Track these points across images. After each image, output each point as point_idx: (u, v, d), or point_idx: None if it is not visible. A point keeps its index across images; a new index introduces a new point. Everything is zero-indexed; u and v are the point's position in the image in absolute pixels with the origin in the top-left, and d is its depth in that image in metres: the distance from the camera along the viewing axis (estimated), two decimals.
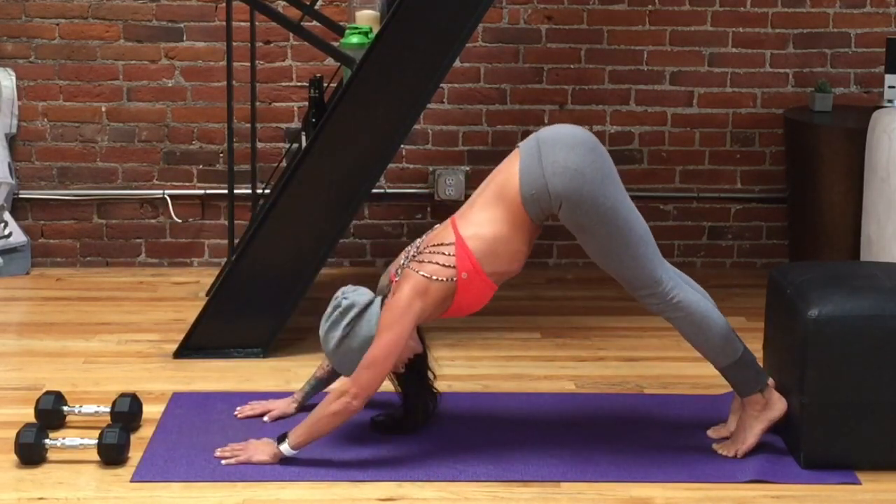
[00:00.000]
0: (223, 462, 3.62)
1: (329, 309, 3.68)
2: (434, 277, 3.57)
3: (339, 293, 3.69)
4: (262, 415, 3.97)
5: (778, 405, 3.71)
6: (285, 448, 3.59)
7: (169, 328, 4.79)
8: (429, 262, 3.60)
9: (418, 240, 3.76)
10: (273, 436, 3.68)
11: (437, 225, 3.77)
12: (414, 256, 3.67)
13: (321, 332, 3.68)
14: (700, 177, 5.66)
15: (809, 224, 5.34)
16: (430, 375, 3.88)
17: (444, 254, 3.60)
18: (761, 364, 3.99)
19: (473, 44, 5.47)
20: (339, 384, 3.59)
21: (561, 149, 3.57)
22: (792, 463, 3.68)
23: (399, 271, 3.69)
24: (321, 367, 3.97)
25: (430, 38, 4.36)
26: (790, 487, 3.56)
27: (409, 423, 3.86)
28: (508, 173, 3.62)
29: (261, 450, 3.63)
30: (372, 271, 5.36)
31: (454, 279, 3.58)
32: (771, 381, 3.76)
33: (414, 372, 3.79)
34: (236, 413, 3.98)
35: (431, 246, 3.64)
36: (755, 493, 3.52)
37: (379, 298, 3.68)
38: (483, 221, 3.60)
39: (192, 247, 5.61)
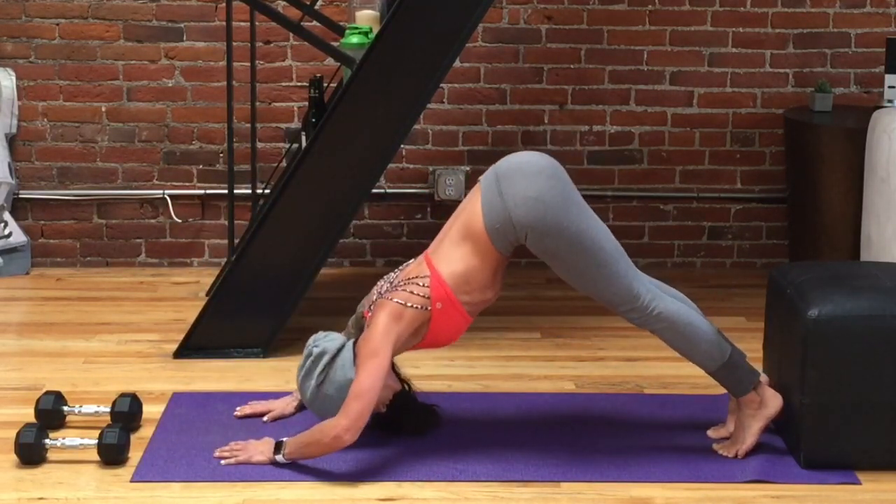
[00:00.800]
0: (222, 462, 3.62)
1: (302, 360, 3.71)
2: (409, 304, 3.61)
3: (310, 341, 3.72)
4: (261, 414, 3.97)
5: (773, 401, 3.71)
6: (280, 457, 3.60)
7: (169, 328, 4.79)
8: (403, 290, 3.64)
9: (391, 274, 3.79)
10: (273, 436, 3.69)
11: (411, 261, 3.79)
12: (388, 290, 3.70)
13: (297, 383, 3.72)
14: (700, 177, 5.66)
15: (809, 224, 5.34)
16: (417, 402, 3.88)
17: (418, 285, 3.64)
18: (761, 364, 3.99)
19: (473, 44, 5.47)
20: (334, 420, 3.55)
21: (520, 179, 3.59)
22: (792, 463, 3.68)
23: (371, 307, 3.72)
24: None
25: (430, 38, 4.36)
26: (790, 487, 3.56)
27: (411, 431, 3.87)
28: (472, 210, 3.65)
29: (260, 450, 3.63)
30: (372, 271, 5.36)
31: (429, 308, 3.61)
32: (764, 377, 3.77)
33: (396, 410, 3.79)
34: (236, 413, 3.98)
35: (406, 280, 3.67)
36: (755, 493, 3.52)
37: (350, 342, 3.69)
38: (455, 259, 3.64)
39: (192, 247, 5.62)
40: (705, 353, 3.69)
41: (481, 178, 3.71)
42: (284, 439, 3.62)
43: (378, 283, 3.80)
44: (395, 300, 3.62)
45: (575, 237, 3.56)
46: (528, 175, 3.59)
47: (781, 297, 3.81)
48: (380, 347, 3.57)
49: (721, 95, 5.60)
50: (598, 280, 3.61)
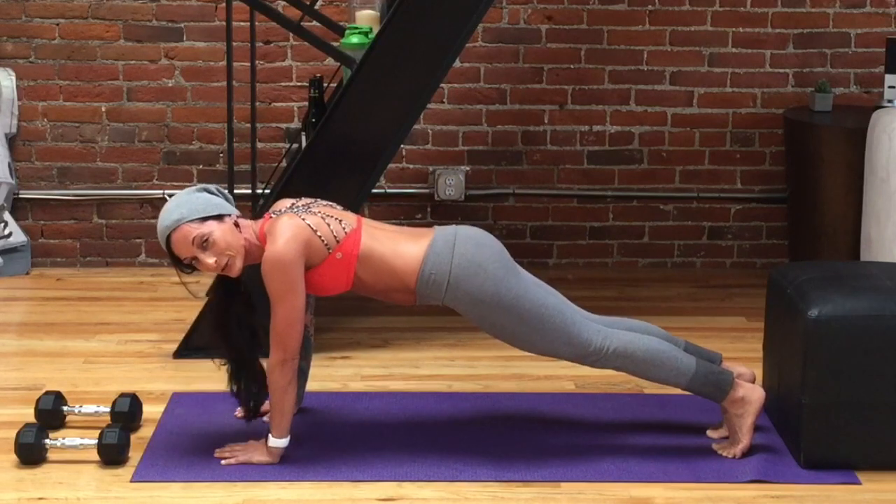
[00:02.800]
0: (222, 462, 3.62)
1: (197, 188, 3.63)
2: (318, 233, 3.56)
3: (216, 187, 3.65)
4: (262, 413, 3.98)
5: (755, 394, 3.71)
6: (273, 441, 3.60)
7: (169, 328, 4.79)
8: (321, 216, 3.59)
9: (309, 199, 3.71)
10: None
11: (335, 204, 3.74)
12: (303, 208, 3.64)
13: (180, 194, 3.60)
14: (700, 177, 5.66)
15: (809, 224, 5.34)
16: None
17: (338, 224, 3.60)
18: (761, 364, 4.00)
19: (473, 44, 5.47)
20: (273, 360, 3.54)
21: (472, 246, 3.64)
22: (792, 463, 3.68)
23: (275, 213, 3.64)
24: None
25: (430, 38, 4.36)
26: (790, 487, 3.56)
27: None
28: (416, 244, 3.64)
29: (260, 450, 3.64)
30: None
31: (330, 250, 3.58)
32: (736, 370, 3.77)
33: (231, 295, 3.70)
34: (237, 413, 3.98)
35: (326, 213, 3.63)
36: (755, 493, 3.52)
37: (235, 217, 3.59)
38: (382, 242, 3.63)
39: None
40: (671, 373, 3.70)
41: (438, 227, 3.73)
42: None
43: (287, 201, 3.71)
44: (307, 220, 3.57)
45: (513, 303, 3.61)
46: (480, 245, 3.65)
47: (781, 297, 3.81)
48: (293, 278, 3.50)
49: (721, 95, 5.60)
50: (546, 340, 3.66)
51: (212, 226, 3.53)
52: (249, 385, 3.75)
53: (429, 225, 5.60)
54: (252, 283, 3.67)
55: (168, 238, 3.57)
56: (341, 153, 4.40)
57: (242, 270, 3.61)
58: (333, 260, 3.59)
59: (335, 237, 3.59)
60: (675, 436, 3.87)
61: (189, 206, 3.54)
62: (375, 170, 4.43)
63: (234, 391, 3.77)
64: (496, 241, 3.73)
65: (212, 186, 3.67)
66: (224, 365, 3.77)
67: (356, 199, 4.45)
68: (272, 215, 3.66)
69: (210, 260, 3.54)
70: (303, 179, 4.40)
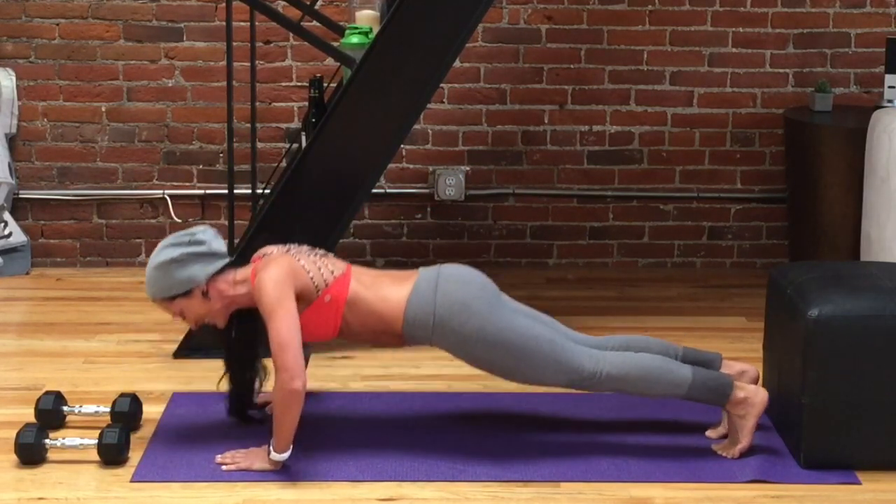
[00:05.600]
0: (223, 468, 3.61)
1: (183, 231, 3.73)
2: (308, 273, 3.64)
3: (202, 228, 3.73)
4: (262, 405, 3.99)
5: (757, 396, 3.70)
6: (275, 455, 3.57)
7: (169, 328, 4.78)
8: (312, 260, 3.69)
9: (295, 246, 3.79)
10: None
11: (329, 252, 3.83)
12: (291, 252, 3.73)
13: (160, 244, 3.69)
14: (700, 177, 5.66)
15: (809, 224, 5.34)
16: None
17: (328, 269, 3.69)
18: (761, 364, 3.99)
19: (473, 44, 5.47)
20: (276, 384, 3.53)
21: (454, 284, 3.68)
22: (792, 463, 3.68)
23: (265, 255, 3.74)
24: None
25: (430, 38, 4.36)
26: (790, 487, 3.56)
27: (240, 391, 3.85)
28: (400, 287, 3.69)
29: (262, 458, 3.61)
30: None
31: (319, 293, 3.64)
32: (737, 369, 3.77)
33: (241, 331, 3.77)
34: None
35: (320, 255, 3.74)
36: (755, 493, 3.52)
37: (226, 262, 3.68)
38: (370, 287, 3.69)
39: None
40: (667, 388, 3.70)
41: (422, 268, 3.77)
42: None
43: (272, 247, 3.78)
44: (300, 261, 3.66)
45: (499, 338, 3.63)
46: (463, 283, 3.69)
47: (781, 297, 3.81)
48: (281, 295, 3.55)
49: (721, 95, 5.60)
50: (537, 371, 3.68)
51: (180, 304, 3.68)
52: (240, 386, 3.82)
53: (428, 225, 5.61)
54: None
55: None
56: (341, 153, 4.40)
57: (230, 319, 3.71)
58: (322, 303, 3.65)
59: (325, 280, 3.66)
60: (674, 436, 3.86)
61: (155, 285, 3.66)
62: (376, 170, 4.43)
63: (227, 390, 3.83)
64: (480, 275, 3.76)
65: (198, 229, 3.72)
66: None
67: (356, 200, 4.45)
68: (262, 257, 3.75)
69: (192, 325, 3.78)
70: (303, 179, 4.39)
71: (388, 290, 3.69)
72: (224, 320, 3.72)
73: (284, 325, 3.52)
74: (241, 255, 4.41)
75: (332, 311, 3.66)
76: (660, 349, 3.81)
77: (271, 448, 3.57)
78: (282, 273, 3.59)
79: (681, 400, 3.73)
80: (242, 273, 3.70)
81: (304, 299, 3.63)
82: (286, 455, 3.58)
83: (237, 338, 3.75)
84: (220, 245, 3.71)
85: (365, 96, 4.35)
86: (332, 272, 3.68)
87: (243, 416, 3.88)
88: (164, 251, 3.66)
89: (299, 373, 3.51)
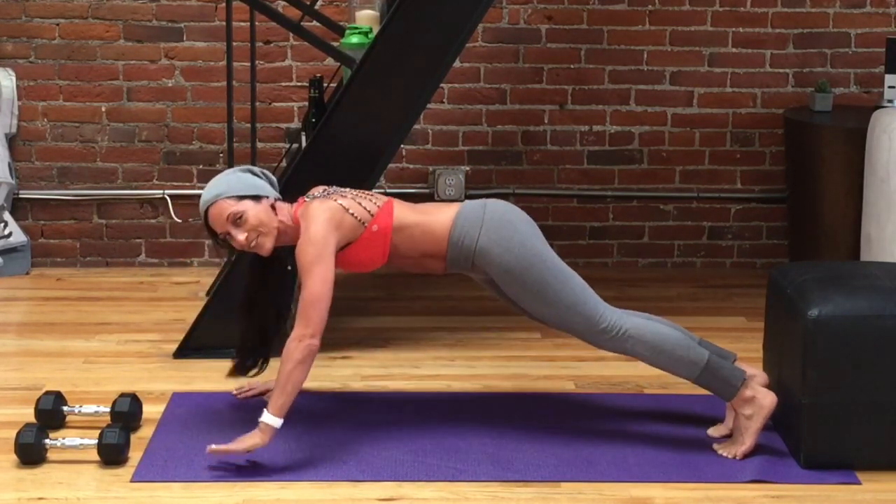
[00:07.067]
0: (209, 448, 3.54)
1: (242, 168, 3.79)
2: (350, 211, 3.69)
3: (261, 170, 3.80)
4: (262, 394, 4.02)
5: (767, 399, 3.71)
6: (267, 416, 3.52)
7: (169, 328, 4.79)
8: (351, 198, 3.73)
9: (340, 188, 3.83)
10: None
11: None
12: (334, 192, 3.77)
13: (224, 172, 3.77)
14: (700, 177, 5.66)
15: (809, 224, 5.34)
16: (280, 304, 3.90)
17: (370, 201, 3.75)
18: (761, 364, 3.99)
19: (473, 44, 5.47)
20: (294, 333, 3.56)
21: (503, 207, 3.79)
22: (792, 463, 3.68)
23: (309, 197, 3.78)
24: None
25: (430, 38, 4.36)
26: (790, 487, 3.56)
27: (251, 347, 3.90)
28: (448, 209, 3.78)
29: (252, 435, 3.56)
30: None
31: (365, 225, 3.70)
32: (749, 372, 3.77)
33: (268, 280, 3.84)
34: (236, 394, 4.02)
35: (358, 192, 3.79)
36: (755, 493, 3.52)
37: (273, 200, 3.72)
38: (413, 213, 3.77)
39: (192, 247, 5.62)
40: (681, 362, 3.71)
41: (467, 201, 3.83)
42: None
43: (320, 187, 3.84)
44: (340, 202, 3.70)
45: (538, 262, 3.71)
46: (510, 209, 3.80)
47: (781, 297, 3.81)
48: (322, 252, 3.60)
49: (721, 95, 5.60)
50: (565, 305, 3.72)
51: (247, 205, 3.68)
52: (254, 353, 3.88)
53: None
54: (293, 268, 3.78)
55: (206, 212, 3.73)
56: (341, 153, 4.40)
57: (274, 251, 3.73)
58: (370, 233, 3.71)
59: (369, 212, 3.71)
60: (675, 436, 3.87)
61: (229, 184, 3.70)
62: (375, 170, 4.43)
63: (238, 351, 3.88)
64: (522, 215, 3.83)
65: (256, 169, 3.80)
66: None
67: None
68: (306, 199, 3.78)
69: (241, 236, 3.69)
70: (303, 179, 4.39)
71: (434, 211, 3.79)
72: (272, 245, 3.71)
73: (319, 282, 3.57)
74: (240, 255, 4.42)
75: (380, 238, 3.71)
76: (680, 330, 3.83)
77: (266, 411, 3.53)
78: (323, 226, 3.63)
79: (691, 382, 3.74)
80: (287, 209, 3.76)
81: (350, 235, 3.69)
82: (279, 422, 3.53)
83: (277, 273, 3.82)
84: (275, 187, 3.79)
85: (365, 96, 4.36)
86: (376, 203, 3.74)
87: (244, 367, 3.90)
88: (227, 171, 3.75)
89: (320, 332, 3.58)
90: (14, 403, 4.07)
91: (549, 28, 5.53)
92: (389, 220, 3.73)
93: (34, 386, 4.19)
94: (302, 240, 3.64)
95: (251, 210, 3.67)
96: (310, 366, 3.58)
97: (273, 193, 3.75)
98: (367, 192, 3.84)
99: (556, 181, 5.64)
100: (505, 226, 3.72)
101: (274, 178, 3.81)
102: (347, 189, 3.82)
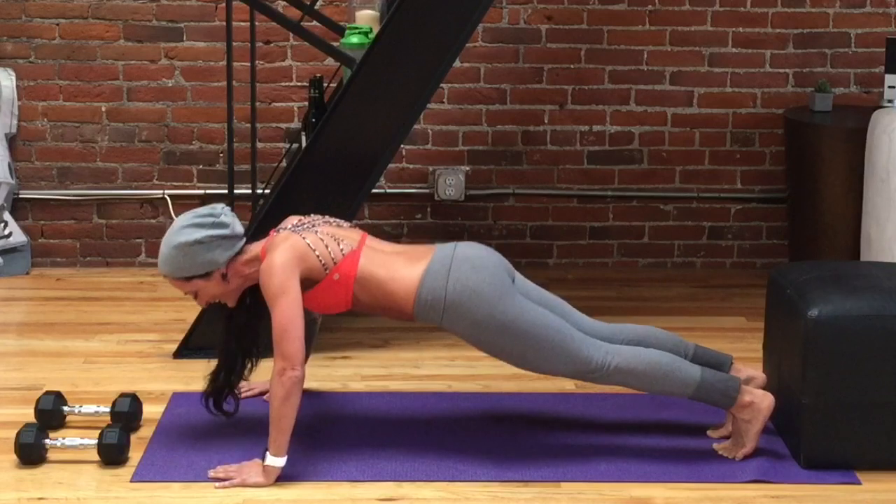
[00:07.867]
0: (216, 486, 3.52)
1: (203, 210, 3.70)
2: (317, 253, 3.62)
3: (221, 206, 3.71)
4: (262, 394, 4.02)
5: (764, 402, 3.69)
6: (271, 459, 3.52)
7: (169, 328, 4.79)
8: (321, 236, 3.66)
9: (315, 217, 3.78)
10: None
11: (343, 222, 3.80)
12: (307, 228, 3.71)
13: (179, 221, 3.67)
14: (700, 177, 5.66)
15: (809, 224, 5.34)
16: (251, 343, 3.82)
17: (338, 243, 3.66)
18: (761, 364, 3.99)
19: (473, 44, 5.47)
20: (274, 369, 3.51)
21: (467, 268, 3.64)
22: (792, 463, 3.68)
23: (279, 230, 3.73)
24: None
25: (430, 37, 4.36)
26: (790, 487, 3.56)
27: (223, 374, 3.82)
28: (414, 267, 3.66)
29: (255, 470, 3.55)
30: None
31: (327, 271, 3.63)
32: (747, 374, 3.76)
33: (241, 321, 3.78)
34: (240, 393, 4.00)
35: (329, 234, 3.68)
36: (755, 493, 3.52)
37: (244, 241, 3.68)
38: (382, 265, 3.66)
39: None
40: (675, 386, 3.68)
41: (438, 244, 3.75)
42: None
43: (294, 218, 3.78)
44: (307, 239, 3.64)
45: (509, 325, 3.61)
46: (476, 268, 3.65)
47: (781, 297, 3.81)
48: (285, 283, 3.54)
49: (721, 95, 5.60)
50: (544, 359, 3.66)
51: (197, 284, 3.67)
52: (227, 374, 3.79)
53: (429, 225, 5.61)
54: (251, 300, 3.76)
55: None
56: (341, 153, 4.40)
57: (241, 297, 3.73)
58: (331, 281, 3.63)
59: (332, 259, 3.63)
60: (675, 436, 3.87)
61: (173, 264, 3.65)
62: (375, 170, 4.43)
63: (208, 384, 3.80)
64: (495, 258, 3.72)
65: (218, 209, 3.70)
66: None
67: (356, 199, 4.45)
68: (277, 231, 3.72)
69: (201, 304, 3.77)
70: (303, 179, 4.40)
71: (400, 270, 3.66)
72: (235, 299, 3.71)
73: (287, 313, 3.51)
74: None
75: (341, 287, 3.65)
76: (671, 346, 3.79)
77: (267, 452, 3.52)
78: (286, 258, 3.57)
79: (687, 399, 3.72)
80: (255, 249, 3.69)
81: (312, 278, 3.63)
82: (282, 461, 3.52)
83: (242, 319, 3.75)
84: (239, 225, 3.70)
85: (365, 96, 4.36)
86: (342, 249, 3.65)
87: (219, 408, 3.81)
88: (185, 231, 3.63)
89: (299, 361, 3.50)
90: (14, 403, 4.07)
91: (549, 28, 5.52)
92: (352, 271, 3.63)
93: (34, 386, 4.19)
94: (263, 269, 3.58)
95: (202, 289, 3.67)
96: (298, 397, 3.51)
97: (228, 254, 3.63)
98: (341, 227, 3.75)
99: (556, 181, 5.64)
100: (470, 297, 3.60)
101: (233, 218, 3.68)
102: (322, 220, 3.75)
